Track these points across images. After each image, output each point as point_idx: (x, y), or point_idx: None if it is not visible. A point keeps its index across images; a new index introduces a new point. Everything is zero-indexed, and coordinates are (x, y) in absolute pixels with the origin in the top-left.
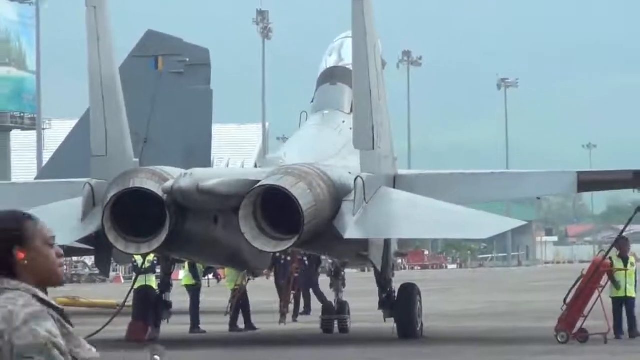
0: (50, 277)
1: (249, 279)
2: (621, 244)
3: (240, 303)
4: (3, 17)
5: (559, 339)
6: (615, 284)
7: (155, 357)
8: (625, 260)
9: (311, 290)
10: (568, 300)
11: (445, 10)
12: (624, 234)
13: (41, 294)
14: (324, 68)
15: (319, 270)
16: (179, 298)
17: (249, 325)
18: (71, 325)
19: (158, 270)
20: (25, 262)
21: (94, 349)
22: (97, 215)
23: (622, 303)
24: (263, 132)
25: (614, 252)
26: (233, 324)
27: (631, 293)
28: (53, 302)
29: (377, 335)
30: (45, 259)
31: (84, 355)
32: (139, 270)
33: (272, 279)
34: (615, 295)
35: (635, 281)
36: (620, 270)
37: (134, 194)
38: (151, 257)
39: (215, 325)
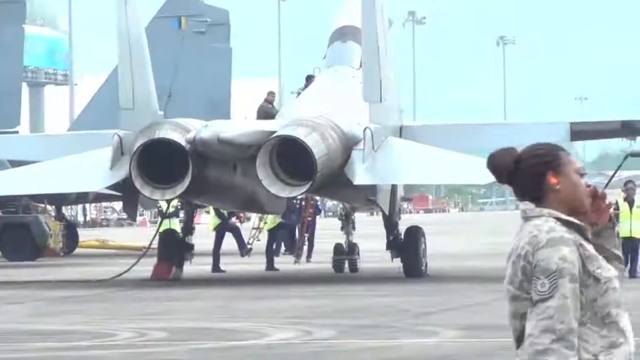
0: (578, 205)
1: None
2: (628, 187)
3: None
4: None
5: None
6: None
7: None
8: (631, 203)
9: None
10: None
11: None
12: (614, 179)
13: (563, 216)
14: (335, 27)
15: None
16: (200, 240)
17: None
18: (590, 243)
19: (181, 215)
20: (558, 186)
21: (612, 268)
22: (125, 163)
23: (630, 244)
24: (279, 86)
25: (621, 195)
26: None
27: (636, 234)
28: (576, 221)
29: (384, 274)
30: (576, 187)
31: (605, 274)
32: (164, 215)
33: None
34: (623, 235)
35: None
36: (625, 212)
37: (159, 144)
38: (175, 202)
39: (235, 265)
